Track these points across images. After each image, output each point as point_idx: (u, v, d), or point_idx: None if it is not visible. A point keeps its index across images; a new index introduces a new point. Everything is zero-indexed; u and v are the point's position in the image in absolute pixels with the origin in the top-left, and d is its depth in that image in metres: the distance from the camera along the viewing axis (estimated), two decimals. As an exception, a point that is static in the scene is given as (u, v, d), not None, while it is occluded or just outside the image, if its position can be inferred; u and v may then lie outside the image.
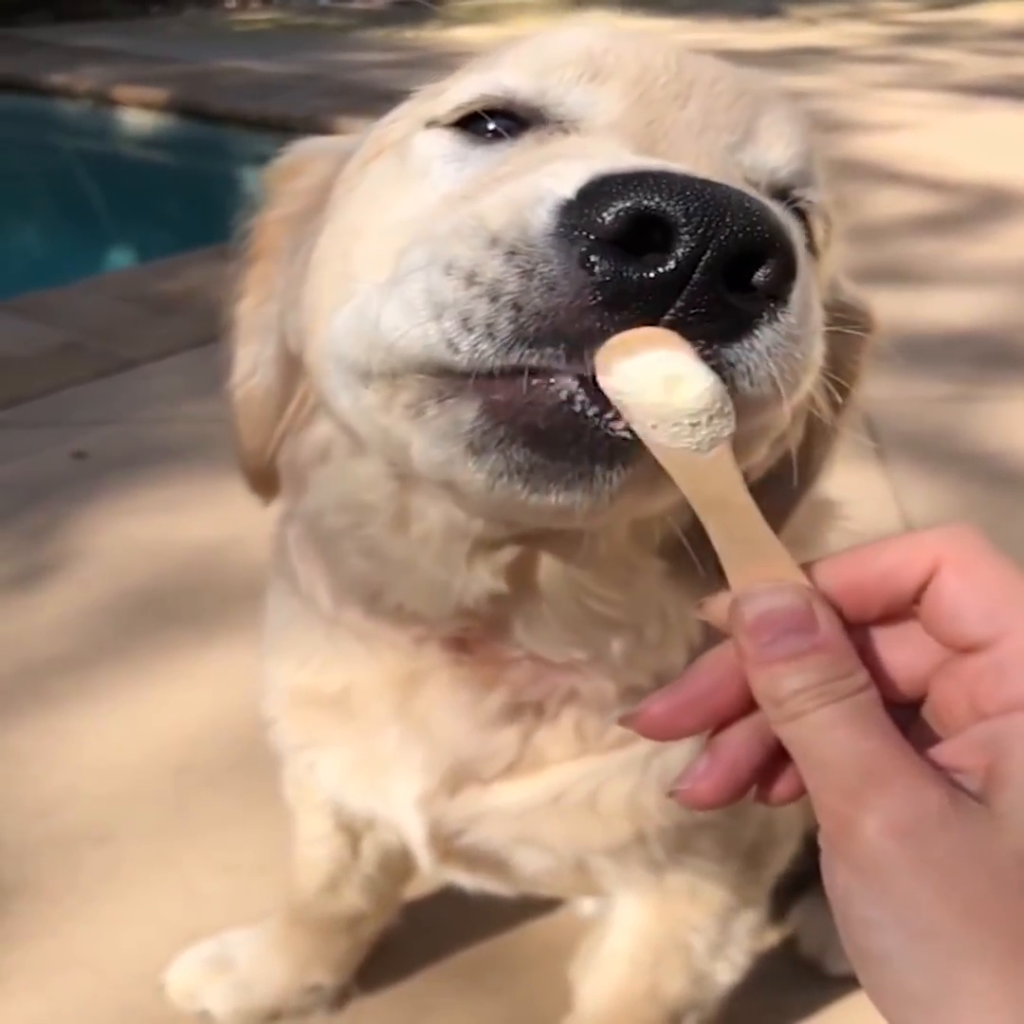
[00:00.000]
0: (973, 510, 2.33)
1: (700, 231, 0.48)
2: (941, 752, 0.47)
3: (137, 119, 6.85)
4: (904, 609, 0.50)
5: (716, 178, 0.51)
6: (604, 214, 0.49)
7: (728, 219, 0.48)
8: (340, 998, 1.35)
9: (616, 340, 0.48)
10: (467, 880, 1.07)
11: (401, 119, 0.75)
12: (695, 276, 0.48)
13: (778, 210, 0.53)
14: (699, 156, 0.62)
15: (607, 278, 0.49)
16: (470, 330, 0.51)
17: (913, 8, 11.25)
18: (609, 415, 0.50)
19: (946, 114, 6.06)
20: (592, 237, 0.49)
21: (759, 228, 0.49)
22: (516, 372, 0.52)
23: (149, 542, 2.18)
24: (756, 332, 0.51)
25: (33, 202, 6.13)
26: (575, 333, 0.49)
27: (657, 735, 0.51)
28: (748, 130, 0.67)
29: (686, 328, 0.49)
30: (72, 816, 1.57)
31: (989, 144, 5.30)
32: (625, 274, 0.48)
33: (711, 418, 0.46)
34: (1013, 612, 0.47)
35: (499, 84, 0.67)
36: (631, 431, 0.48)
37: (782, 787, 0.51)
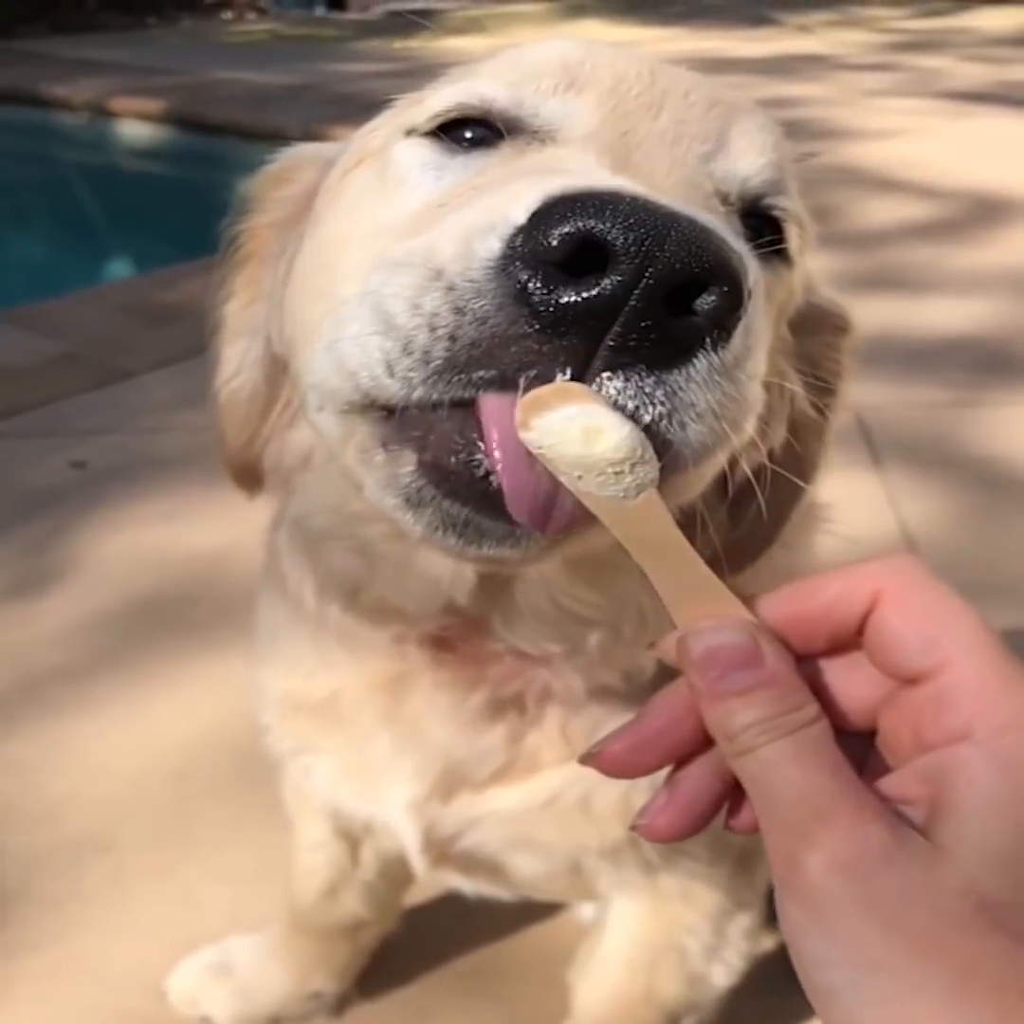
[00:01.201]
0: (969, 516, 2.33)
1: (638, 260, 0.48)
2: (888, 784, 0.47)
3: (134, 130, 6.86)
4: (850, 641, 0.50)
5: (669, 200, 0.51)
6: (549, 239, 0.49)
7: (667, 246, 0.48)
8: (340, 1005, 1.36)
9: (530, 396, 0.49)
10: (464, 884, 1.08)
11: (381, 128, 0.76)
12: (631, 303, 0.48)
13: (731, 238, 0.53)
14: (672, 167, 0.63)
15: (542, 307, 0.49)
16: (408, 355, 0.52)
17: (905, 15, 11.28)
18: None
19: (939, 121, 6.08)
20: (535, 262, 0.49)
21: (700, 256, 0.49)
22: (454, 406, 0.52)
23: (148, 551, 2.19)
24: (693, 361, 0.51)
25: (31, 213, 6.14)
26: (510, 361, 0.50)
27: (618, 773, 0.52)
28: (720, 140, 0.68)
29: (623, 353, 0.49)
30: (75, 824, 1.58)
31: (982, 150, 5.32)
32: (561, 302, 0.49)
33: (633, 466, 0.47)
34: (951, 643, 0.47)
35: (477, 93, 0.69)
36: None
37: (746, 816, 0.51)
